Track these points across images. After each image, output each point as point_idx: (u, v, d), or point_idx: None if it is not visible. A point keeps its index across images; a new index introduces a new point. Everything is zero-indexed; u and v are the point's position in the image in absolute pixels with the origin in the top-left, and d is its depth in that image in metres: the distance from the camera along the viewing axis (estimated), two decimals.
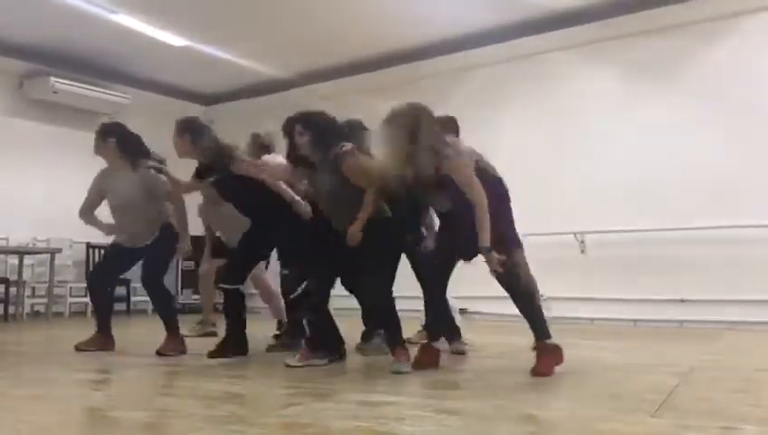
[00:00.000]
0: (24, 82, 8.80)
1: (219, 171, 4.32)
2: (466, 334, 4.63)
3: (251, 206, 4.47)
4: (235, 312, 4.39)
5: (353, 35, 8.04)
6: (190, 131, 4.32)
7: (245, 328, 4.40)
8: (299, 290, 4.12)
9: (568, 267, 7.43)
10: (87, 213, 4.74)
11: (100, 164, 4.78)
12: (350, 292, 4.43)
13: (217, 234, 5.81)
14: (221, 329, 5.64)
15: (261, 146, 5.13)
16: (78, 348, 4.63)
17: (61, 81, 8.66)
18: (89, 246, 8.87)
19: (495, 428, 2.36)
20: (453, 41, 8.11)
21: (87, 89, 8.92)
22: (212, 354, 4.25)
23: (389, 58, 8.60)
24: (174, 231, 4.67)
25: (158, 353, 4.40)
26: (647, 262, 7.05)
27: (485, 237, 3.52)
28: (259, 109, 9.14)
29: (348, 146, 3.89)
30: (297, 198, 4.33)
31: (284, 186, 4.34)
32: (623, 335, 6.04)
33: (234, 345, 4.33)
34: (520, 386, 3.26)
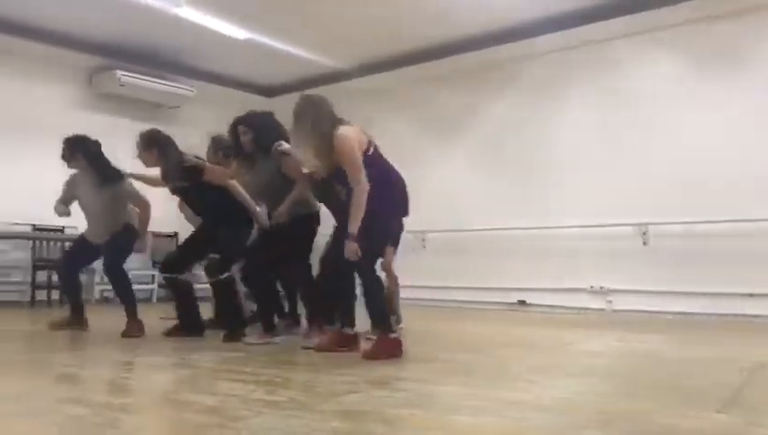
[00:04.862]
0: (92, 77, 9.12)
1: (183, 180, 4.73)
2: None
3: (215, 209, 4.82)
4: (182, 297, 4.88)
5: (413, 25, 8.02)
6: (157, 145, 4.76)
7: (197, 311, 4.91)
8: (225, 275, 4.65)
9: (630, 260, 7.28)
10: (59, 205, 5.22)
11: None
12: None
13: None
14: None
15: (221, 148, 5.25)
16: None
17: (127, 74, 8.92)
18: None
19: (556, 419, 2.34)
20: (513, 29, 8.00)
21: (152, 82, 9.17)
22: (168, 333, 4.79)
23: (450, 47, 8.54)
24: (132, 229, 5.16)
25: (123, 336, 4.80)
26: (713, 254, 6.84)
27: (355, 225, 3.54)
28: None
29: (285, 145, 4.30)
30: (257, 209, 4.80)
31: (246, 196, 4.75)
32: (686, 329, 5.88)
33: (187, 327, 4.83)
34: (580, 380, 3.22)
